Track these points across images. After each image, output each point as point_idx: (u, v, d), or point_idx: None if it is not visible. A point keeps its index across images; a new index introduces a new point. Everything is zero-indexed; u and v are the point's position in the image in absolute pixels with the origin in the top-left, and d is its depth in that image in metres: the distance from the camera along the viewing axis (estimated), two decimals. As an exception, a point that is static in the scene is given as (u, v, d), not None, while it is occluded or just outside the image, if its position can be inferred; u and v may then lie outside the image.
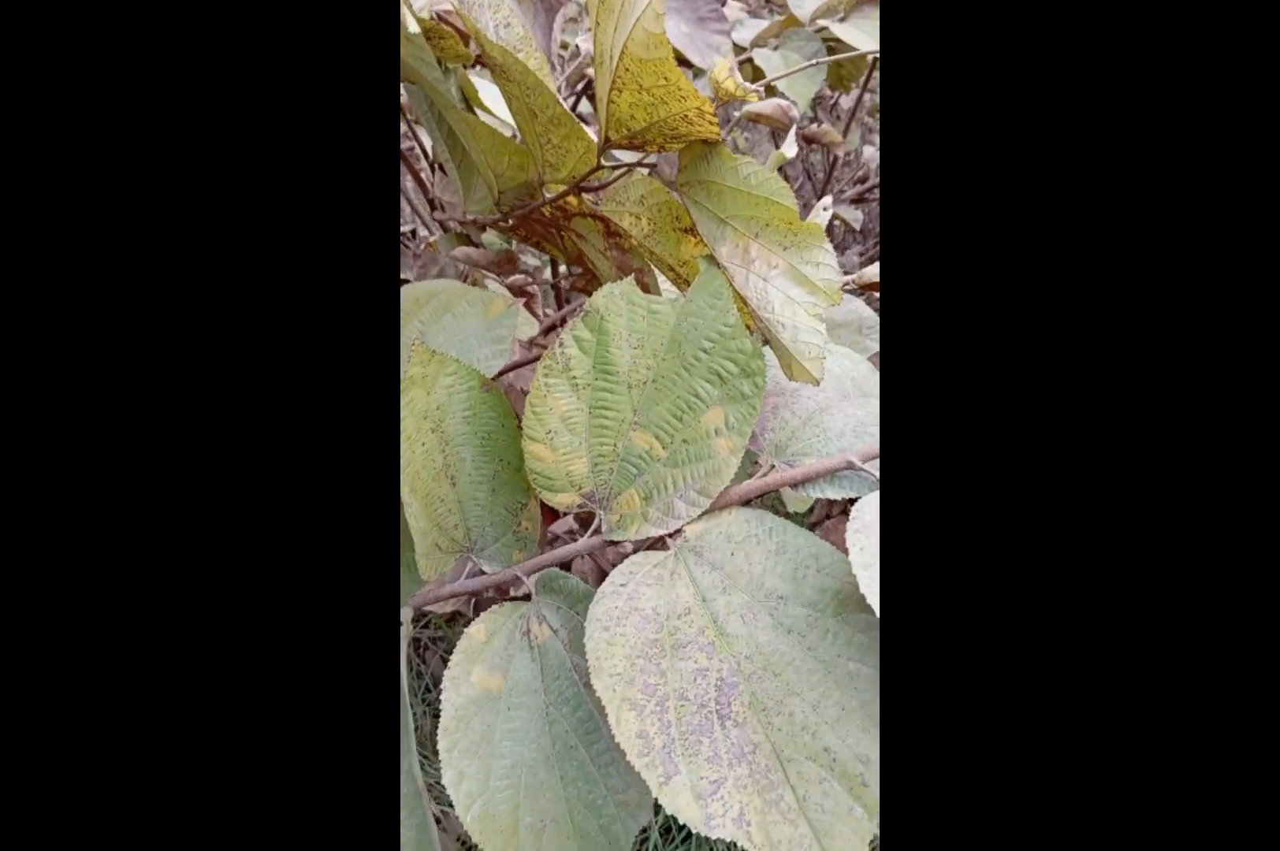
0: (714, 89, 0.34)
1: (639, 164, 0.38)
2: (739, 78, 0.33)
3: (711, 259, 0.36)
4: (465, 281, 0.80)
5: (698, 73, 0.83)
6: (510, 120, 0.55)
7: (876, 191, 1.40)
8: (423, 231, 1.04)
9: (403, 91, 0.66)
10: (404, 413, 0.36)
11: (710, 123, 0.31)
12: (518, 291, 0.69)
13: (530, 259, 0.83)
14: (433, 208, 0.78)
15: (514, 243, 0.76)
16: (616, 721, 0.30)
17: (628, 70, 0.30)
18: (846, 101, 1.44)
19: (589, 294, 0.66)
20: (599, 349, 0.36)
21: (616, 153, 0.44)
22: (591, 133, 0.50)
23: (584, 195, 0.45)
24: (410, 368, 0.36)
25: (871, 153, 1.47)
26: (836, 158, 1.20)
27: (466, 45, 0.45)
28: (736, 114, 0.40)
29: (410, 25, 0.34)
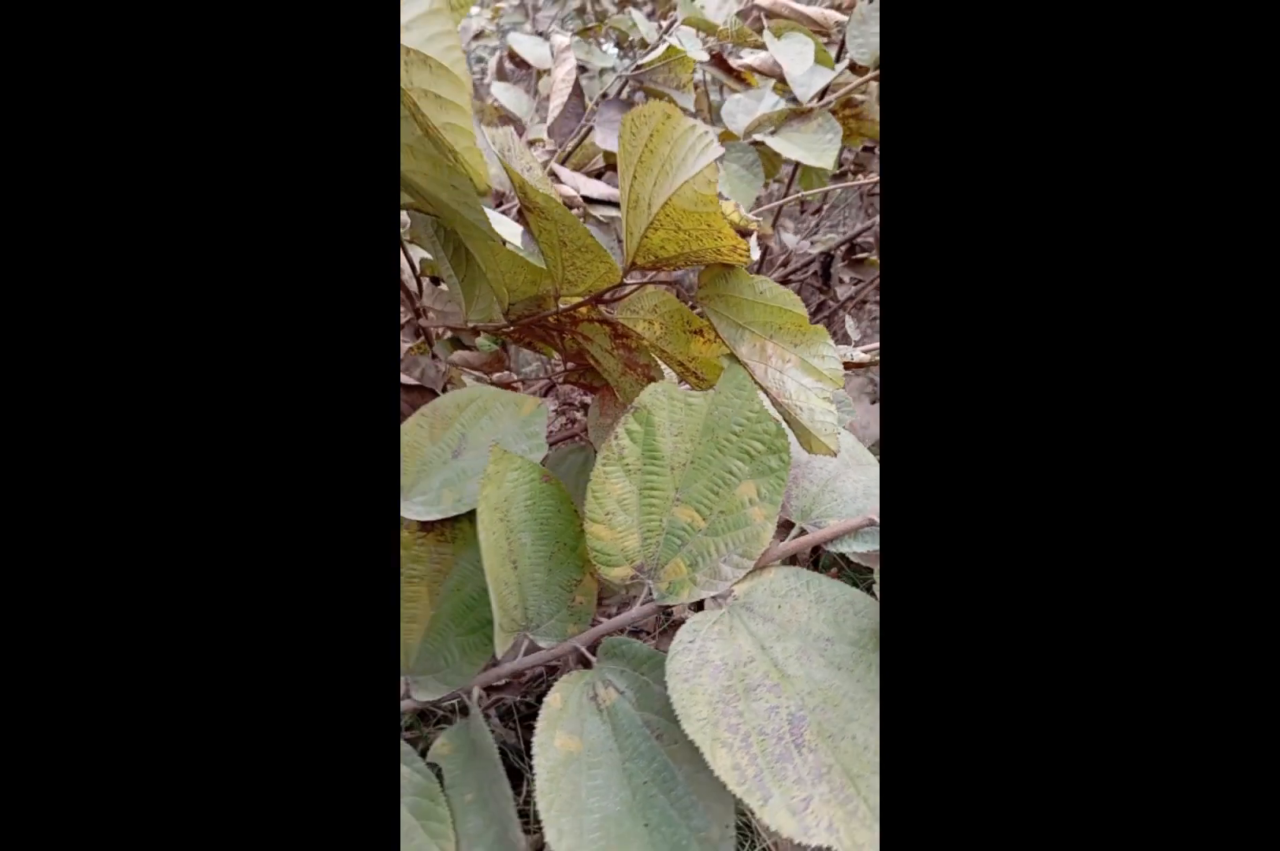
0: (724, 220, 0.42)
1: (658, 281, 0.46)
2: (744, 211, 0.41)
3: (733, 357, 0.43)
4: (444, 379, 0.85)
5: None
6: (511, 238, 0.62)
7: (796, 275, 1.52)
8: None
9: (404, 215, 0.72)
10: (481, 506, 0.41)
11: (741, 255, 0.38)
12: (505, 387, 0.75)
13: (526, 353, 0.90)
14: (416, 315, 0.84)
15: (504, 344, 0.83)
16: (712, 757, 0.35)
17: (669, 216, 0.37)
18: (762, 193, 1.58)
19: (582, 386, 0.72)
20: (646, 438, 0.42)
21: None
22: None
23: (599, 305, 0.51)
24: (489, 466, 0.41)
25: (789, 239, 1.59)
26: (767, 246, 1.31)
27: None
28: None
29: (479, 185, 0.40)
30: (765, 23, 0.77)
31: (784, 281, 1.52)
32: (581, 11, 1.85)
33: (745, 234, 0.51)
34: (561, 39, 0.82)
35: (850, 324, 0.71)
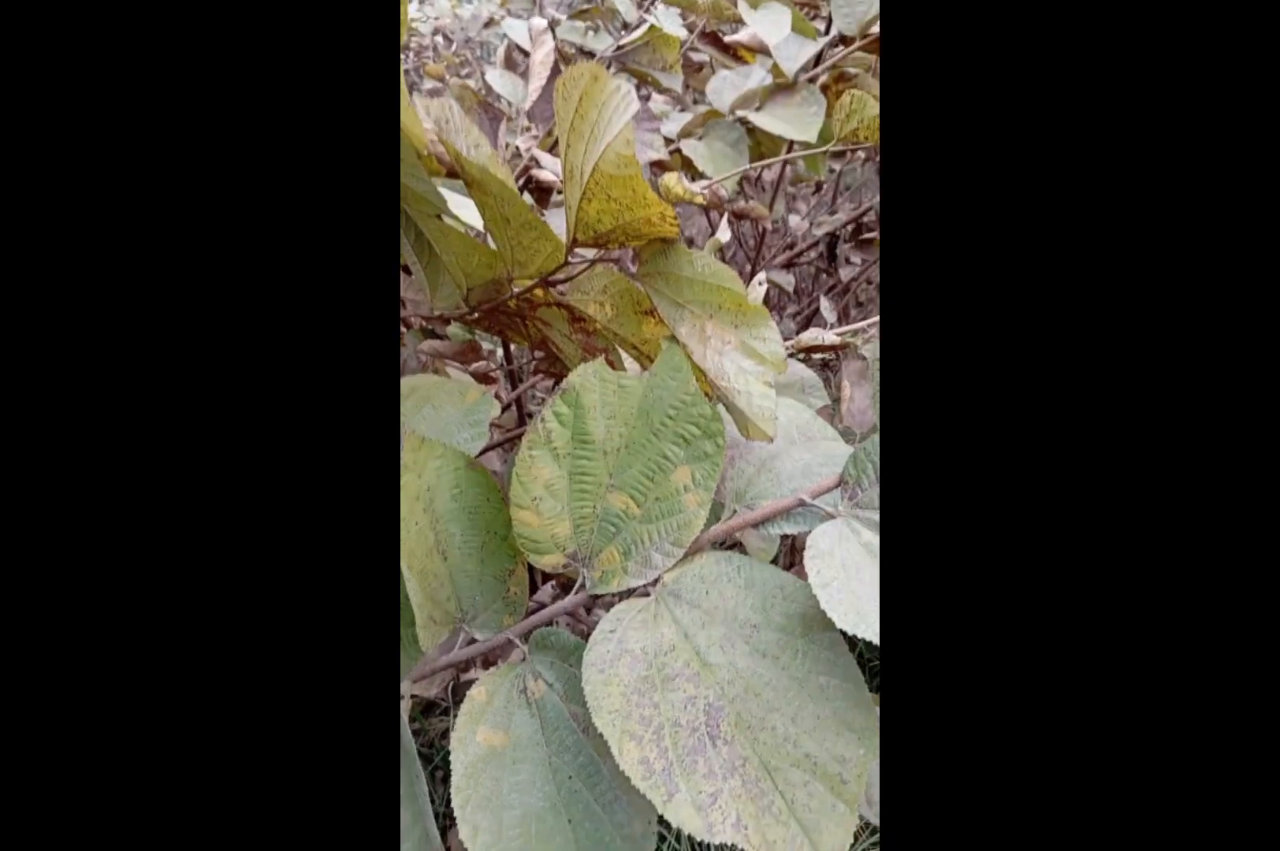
0: (665, 193, 0.40)
1: (603, 259, 0.44)
2: (687, 183, 0.39)
3: (672, 338, 0.42)
4: (426, 370, 0.85)
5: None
6: (471, 222, 0.61)
7: (803, 256, 1.49)
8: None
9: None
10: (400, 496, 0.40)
11: (671, 225, 0.37)
12: (481, 377, 0.74)
13: (485, 344, 0.89)
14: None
15: (475, 332, 0.82)
16: (619, 751, 0.34)
17: (598, 184, 0.36)
18: (769, 174, 1.55)
19: (551, 375, 0.71)
20: (576, 421, 0.41)
21: (580, 249, 0.49)
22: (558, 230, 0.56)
23: (551, 287, 0.50)
24: (404, 455, 0.40)
25: (796, 221, 1.57)
26: (765, 228, 1.29)
27: (439, 163, 0.51)
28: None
29: (420, 150, 0.39)
30: (745, -5, 0.75)
31: (790, 264, 1.49)
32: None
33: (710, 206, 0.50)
34: (539, 22, 0.80)
35: (825, 305, 0.69)
